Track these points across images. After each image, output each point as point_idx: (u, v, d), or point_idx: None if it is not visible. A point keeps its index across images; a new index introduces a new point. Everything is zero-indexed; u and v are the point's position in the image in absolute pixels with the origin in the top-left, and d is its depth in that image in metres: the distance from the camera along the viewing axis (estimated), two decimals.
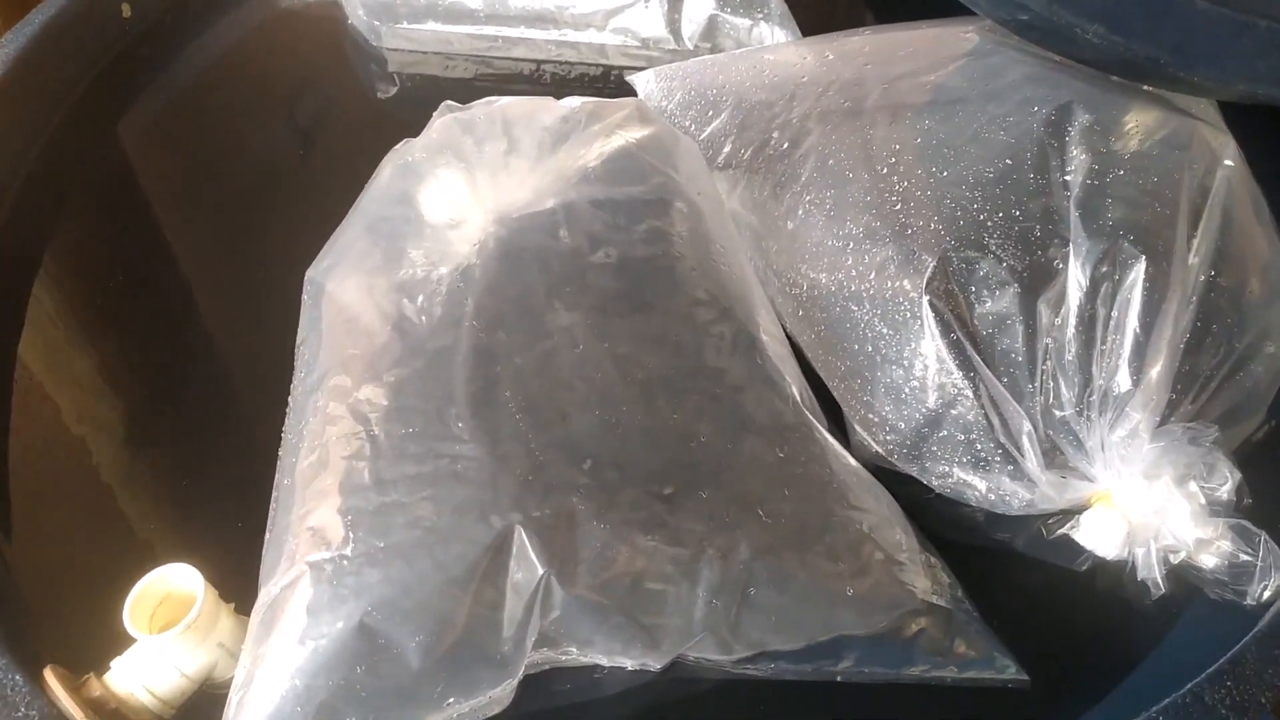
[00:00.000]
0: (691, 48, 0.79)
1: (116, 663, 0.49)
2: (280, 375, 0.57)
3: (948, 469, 0.52)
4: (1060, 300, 0.50)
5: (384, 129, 0.77)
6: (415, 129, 0.61)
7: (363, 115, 0.82)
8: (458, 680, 0.43)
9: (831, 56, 0.65)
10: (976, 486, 0.52)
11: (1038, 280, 0.51)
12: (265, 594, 0.45)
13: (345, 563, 0.44)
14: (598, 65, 0.80)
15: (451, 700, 0.43)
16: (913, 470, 0.53)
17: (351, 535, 0.45)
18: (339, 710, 0.42)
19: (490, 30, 0.81)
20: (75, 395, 0.68)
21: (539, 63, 0.81)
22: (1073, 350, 0.50)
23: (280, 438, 0.53)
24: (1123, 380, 0.49)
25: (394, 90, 0.81)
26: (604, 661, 0.47)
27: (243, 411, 0.65)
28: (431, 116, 0.62)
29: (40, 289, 0.70)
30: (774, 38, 0.77)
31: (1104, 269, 0.50)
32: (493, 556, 0.44)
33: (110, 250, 0.74)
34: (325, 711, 0.42)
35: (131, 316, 0.70)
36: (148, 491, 0.62)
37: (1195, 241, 0.52)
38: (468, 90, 0.80)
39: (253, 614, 0.46)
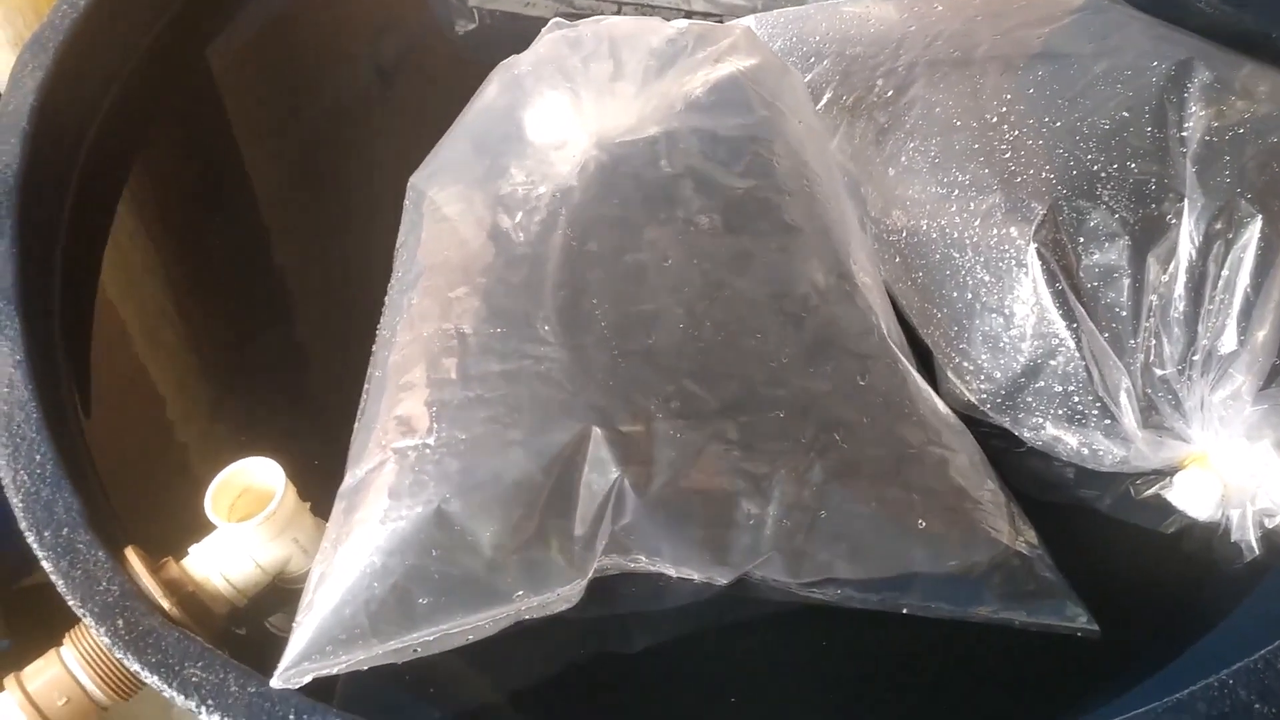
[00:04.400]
0: None
1: (194, 548, 0.50)
2: (359, 291, 0.58)
3: (1041, 421, 0.51)
4: (1170, 256, 0.49)
5: (461, 63, 0.78)
6: (491, 64, 0.60)
7: (439, 48, 0.82)
8: (527, 574, 0.43)
9: (940, 8, 0.64)
10: (1069, 441, 0.51)
11: (1149, 234, 0.49)
12: (351, 477, 0.46)
13: (428, 451, 0.44)
14: (679, 11, 0.80)
15: (520, 593, 0.43)
16: (1004, 421, 0.52)
17: (435, 426, 0.45)
18: (413, 590, 0.42)
19: None
20: (165, 298, 0.69)
21: (620, 5, 0.80)
22: (1179, 308, 0.49)
23: (367, 343, 0.53)
24: (1228, 341, 0.48)
25: (472, 26, 0.81)
26: (671, 572, 0.47)
27: (323, 336, 0.66)
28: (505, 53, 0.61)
29: (129, 195, 0.71)
30: None
31: (1218, 226, 0.49)
32: (569, 456, 0.44)
33: (196, 171, 0.76)
34: (400, 589, 0.42)
35: (216, 229, 0.71)
36: (231, 394, 0.63)
37: None
38: None
39: (338, 496, 0.46)
